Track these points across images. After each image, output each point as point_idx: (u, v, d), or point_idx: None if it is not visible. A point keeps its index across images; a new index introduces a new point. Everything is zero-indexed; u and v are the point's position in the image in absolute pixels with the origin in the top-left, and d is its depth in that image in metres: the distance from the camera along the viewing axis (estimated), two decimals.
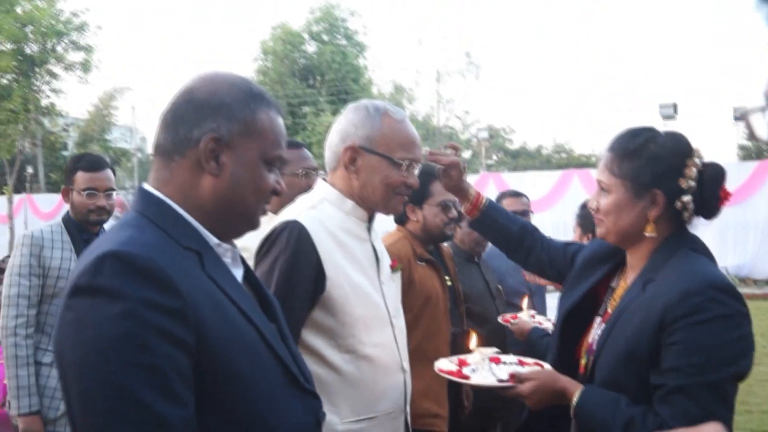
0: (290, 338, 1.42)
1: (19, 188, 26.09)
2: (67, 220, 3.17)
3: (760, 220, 15.65)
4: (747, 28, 64.48)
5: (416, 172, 1.97)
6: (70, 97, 58.52)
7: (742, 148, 32.16)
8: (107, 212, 3.15)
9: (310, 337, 1.83)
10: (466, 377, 1.86)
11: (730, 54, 63.71)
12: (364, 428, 1.85)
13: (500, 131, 38.56)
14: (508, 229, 2.21)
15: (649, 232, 1.64)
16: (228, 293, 1.21)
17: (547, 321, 3.14)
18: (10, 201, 24.01)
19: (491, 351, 1.98)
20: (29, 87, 22.71)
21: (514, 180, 19.40)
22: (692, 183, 1.60)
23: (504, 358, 2.00)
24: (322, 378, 1.79)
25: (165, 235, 1.20)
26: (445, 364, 1.97)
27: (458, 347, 3.03)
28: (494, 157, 37.71)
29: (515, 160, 36.96)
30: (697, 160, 1.62)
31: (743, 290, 14.08)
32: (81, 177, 3.12)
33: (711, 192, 1.62)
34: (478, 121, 34.05)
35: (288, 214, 1.91)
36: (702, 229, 1.69)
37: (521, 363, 1.96)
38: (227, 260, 1.31)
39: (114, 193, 3.19)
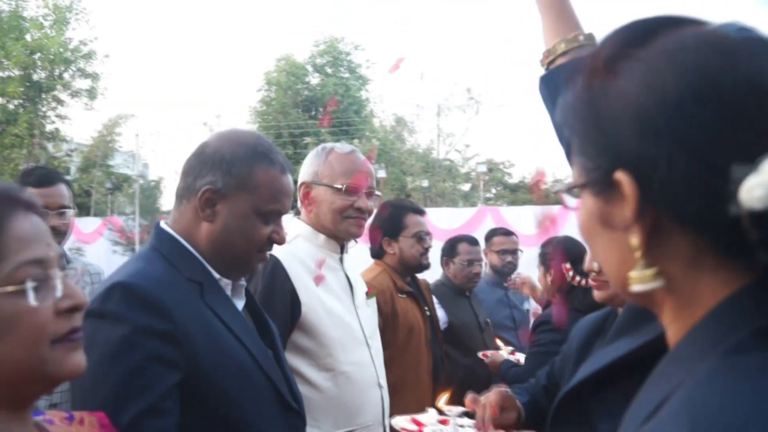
0: (285, 362, 1.58)
1: None
2: None
3: None
4: None
5: (370, 198, 2.16)
6: (74, 123, 59.14)
7: None
8: (61, 233, 2.60)
9: (291, 358, 1.97)
10: None
11: None
12: None
13: (499, 165, 38.83)
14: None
15: None
16: (224, 320, 1.38)
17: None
18: None
19: (459, 410, 1.82)
20: (35, 112, 22.98)
21: (512, 214, 19.43)
22: None
23: (464, 421, 1.78)
24: (304, 395, 1.93)
25: (172, 267, 1.38)
26: (403, 423, 1.90)
27: (439, 379, 3.16)
28: (493, 191, 37.86)
29: (514, 194, 37.10)
30: None
31: None
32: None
33: None
34: (477, 155, 34.24)
35: None
36: None
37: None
38: (228, 292, 1.47)
39: (69, 211, 2.68)
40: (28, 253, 0.82)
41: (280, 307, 1.96)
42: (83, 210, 29.90)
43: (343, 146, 2.22)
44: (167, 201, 35.36)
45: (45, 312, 0.83)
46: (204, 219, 1.42)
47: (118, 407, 1.20)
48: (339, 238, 2.17)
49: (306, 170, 2.21)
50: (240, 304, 1.52)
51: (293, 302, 1.99)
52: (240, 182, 1.42)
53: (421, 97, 59.01)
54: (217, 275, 1.45)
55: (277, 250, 2.05)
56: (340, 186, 2.13)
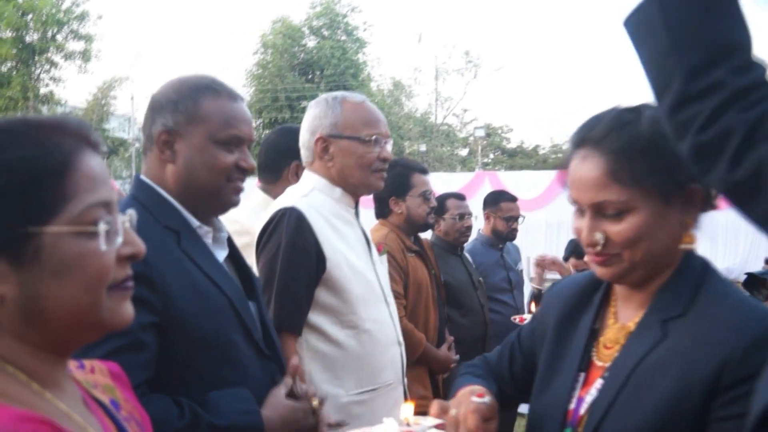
0: (267, 315, 1.61)
1: None
2: None
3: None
4: None
5: (388, 147, 2.09)
6: (69, 86, 58.57)
7: None
8: None
9: (313, 316, 1.95)
10: None
11: None
12: (366, 399, 1.98)
13: (498, 130, 38.67)
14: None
15: (688, 242, 1.19)
16: (201, 267, 1.41)
17: None
18: None
19: (430, 422, 1.31)
20: (29, 75, 22.77)
21: (510, 179, 19.45)
22: None
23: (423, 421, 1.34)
24: (327, 354, 1.93)
25: (149, 215, 1.41)
26: None
27: (442, 337, 3.19)
28: (491, 156, 37.76)
29: (512, 159, 37.03)
30: None
31: None
32: None
33: None
34: (475, 119, 34.07)
35: (283, 202, 2.03)
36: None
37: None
38: (208, 241, 1.50)
39: None
40: (97, 195, 0.79)
41: (305, 262, 1.92)
42: None
43: (353, 95, 2.12)
44: None
45: (110, 257, 0.79)
46: (166, 161, 1.46)
47: (94, 343, 1.19)
48: (356, 192, 2.10)
49: (319, 123, 2.06)
50: (222, 254, 1.54)
51: (318, 257, 1.94)
52: (189, 116, 1.45)
53: (419, 61, 58.46)
54: (196, 222, 1.47)
55: (298, 203, 1.98)
56: (368, 138, 2.02)
